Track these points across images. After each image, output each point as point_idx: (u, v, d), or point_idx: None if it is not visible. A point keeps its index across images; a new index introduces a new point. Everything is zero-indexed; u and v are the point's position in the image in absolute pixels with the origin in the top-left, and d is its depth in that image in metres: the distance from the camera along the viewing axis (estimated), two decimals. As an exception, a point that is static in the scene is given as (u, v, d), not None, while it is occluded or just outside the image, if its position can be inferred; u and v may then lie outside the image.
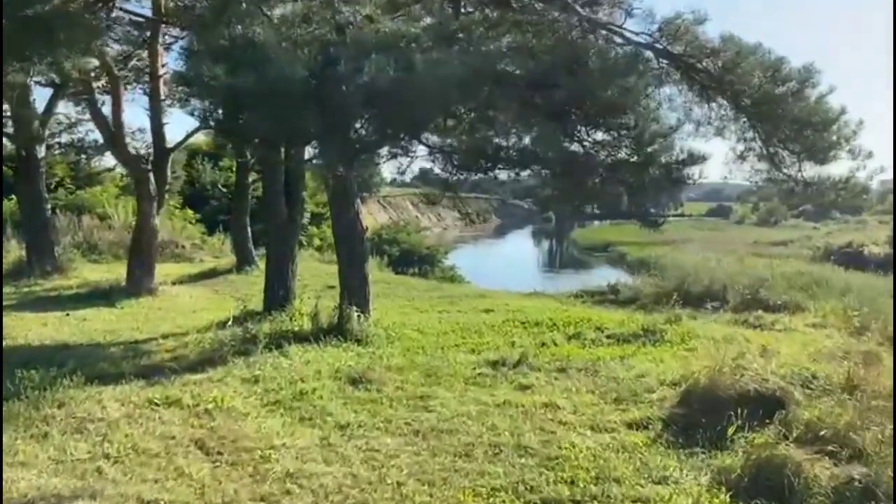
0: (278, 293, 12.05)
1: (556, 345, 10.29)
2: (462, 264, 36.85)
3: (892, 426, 5.91)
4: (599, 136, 8.27)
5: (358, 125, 7.54)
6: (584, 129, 8.14)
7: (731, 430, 6.24)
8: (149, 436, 6.41)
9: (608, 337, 10.70)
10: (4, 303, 12.54)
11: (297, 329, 10.57)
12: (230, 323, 11.03)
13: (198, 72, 6.67)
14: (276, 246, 12.27)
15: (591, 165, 8.26)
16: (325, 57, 6.92)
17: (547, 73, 7.33)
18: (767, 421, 6.53)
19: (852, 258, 46.03)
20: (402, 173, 11.98)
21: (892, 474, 5.21)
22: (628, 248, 57.76)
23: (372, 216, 64.65)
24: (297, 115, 6.70)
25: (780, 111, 8.53)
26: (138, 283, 14.70)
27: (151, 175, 15.05)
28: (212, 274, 18.59)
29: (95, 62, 11.99)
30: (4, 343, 9.68)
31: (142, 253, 15.10)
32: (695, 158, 8.27)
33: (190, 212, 28.82)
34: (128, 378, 8.10)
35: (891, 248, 50.46)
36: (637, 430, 6.78)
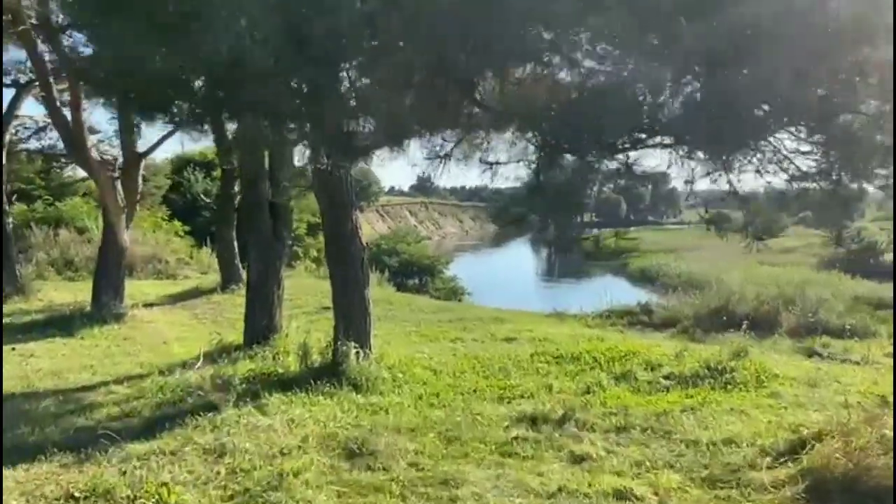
0: (260, 323, 9.89)
1: (603, 389, 8.14)
2: (462, 274, 34.80)
3: None
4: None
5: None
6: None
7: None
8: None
9: (665, 377, 8.56)
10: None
11: (281, 371, 8.43)
12: (200, 363, 8.91)
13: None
14: (259, 267, 10.10)
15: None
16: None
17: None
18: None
19: (858, 265, 44.57)
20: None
21: None
22: (630, 257, 56.01)
23: (370, 225, 62.72)
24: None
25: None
26: (104, 308, 12.52)
27: (119, 183, 12.92)
28: (194, 294, 16.39)
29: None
30: None
31: (109, 273, 12.94)
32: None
33: (178, 224, 26.69)
34: (49, 452, 5.94)
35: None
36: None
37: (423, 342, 11.15)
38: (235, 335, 10.52)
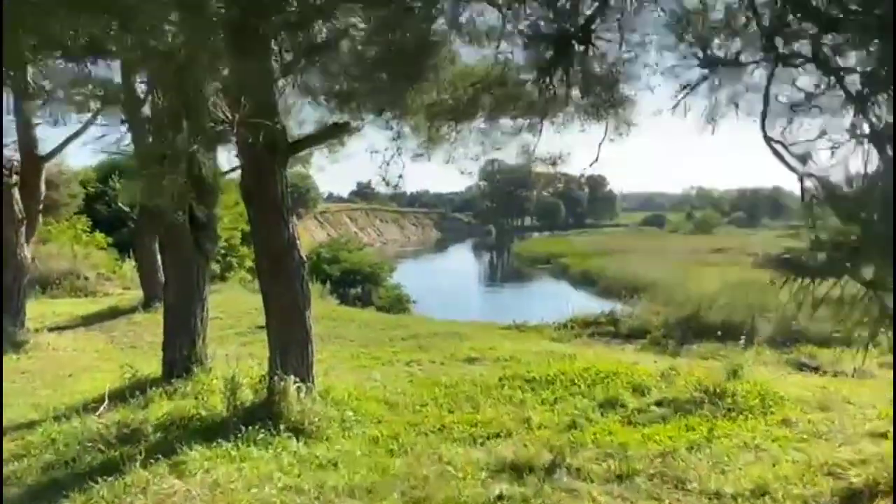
0: (181, 352, 8.28)
1: (590, 422, 6.87)
2: (406, 281, 33.46)
3: None
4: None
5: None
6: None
7: None
8: None
9: (657, 404, 7.35)
10: None
11: (204, 414, 6.88)
12: (105, 406, 7.29)
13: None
14: (177, 286, 8.47)
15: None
16: None
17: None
18: None
19: (792, 265, 45.06)
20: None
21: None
22: (570, 260, 55.67)
23: (308, 233, 60.70)
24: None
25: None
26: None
27: (16, 191, 11.09)
28: (112, 313, 14.51)
29: None
30: None
31: (6, 295, 11.06)
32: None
33: (100, 236, 24.47)
34: None
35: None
36: None
37: (374, 366, 9.69)
38: (153, 365, 8.87)
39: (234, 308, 14.57)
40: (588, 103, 6.48)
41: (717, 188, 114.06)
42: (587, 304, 30.90)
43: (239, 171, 7.44)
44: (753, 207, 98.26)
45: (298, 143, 7.35)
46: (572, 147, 7.85)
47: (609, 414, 7.16)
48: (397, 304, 29.94)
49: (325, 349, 10.46)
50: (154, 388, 7.88)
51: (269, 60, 6.58)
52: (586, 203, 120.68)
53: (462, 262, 72.30)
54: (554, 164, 7.56)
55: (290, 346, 7.10)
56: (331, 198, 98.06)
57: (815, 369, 9.40)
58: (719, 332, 11.49)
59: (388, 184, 7.71)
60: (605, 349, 11.45)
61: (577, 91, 6.36)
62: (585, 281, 45.36)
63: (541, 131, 7.05)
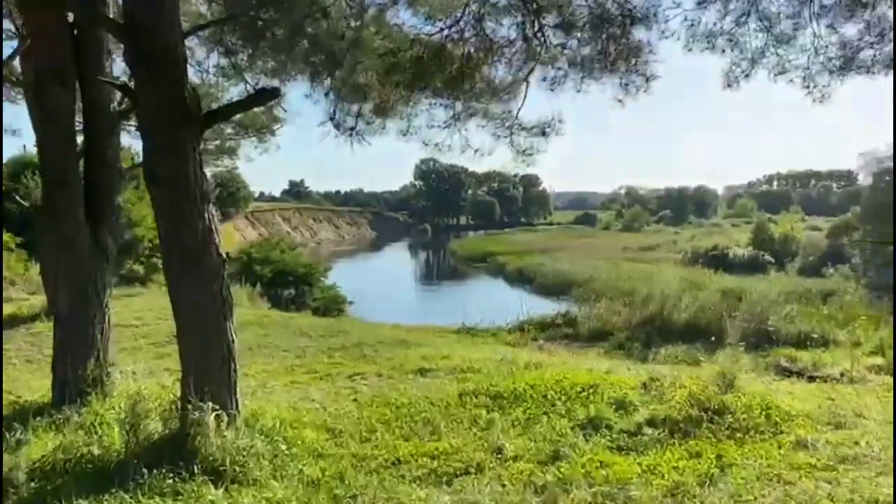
0: (74, 372, 6.68)
1: (575, 450, 5.66)
2: (341, 282, 31.96)
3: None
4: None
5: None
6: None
7: None
8: None
9: (649, 423, 6.22)
10: None
11: (98, 453, 5.39)
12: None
13: None
14: (70, 292, 6.86)
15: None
16: None
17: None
18: None
19: (720, 261, 45.66)
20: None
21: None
22: (507, 258, 55.19)
23: (239, 232, 58.26)
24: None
25: None
26: None
27: None
28: (11, 322, 12.60)
29: None
30: None
31: None
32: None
33: (8, 236, 22.11)
34: None
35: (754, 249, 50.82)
36: None
37: (311, 382, 8.28)
38: (46, 387, 7.27)
39: (153, 314, 12.90)
40: (593, 51, 5.22)
41: (645, 186, 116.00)
42: (525, 302, 30.14)
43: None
44: (680, 206, 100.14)
45: (216, 113, 5.93)
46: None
47: (594, 438, 5.99)
48: (333, 304, 28.52)
49: (253, 363, 9.03)
50: (39, 418, 6.33)
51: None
52: (521, 202, 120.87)
53: (398, 261, 71.05)
54: (544, 133, 6.32)
55: (207, 364, 5.67)
56: (262, 197, 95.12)
57: (800, 374, 8.52)
58: (687, 333, 10.53)
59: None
60: (568, 354, 10.33)
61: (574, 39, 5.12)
62: (522, 279, 44.94)
63: (525, 94, 5.79)
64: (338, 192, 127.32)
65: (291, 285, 29.26)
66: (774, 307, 11.83)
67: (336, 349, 10.23)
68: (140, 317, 12.89)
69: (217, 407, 5.49)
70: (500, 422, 6.36)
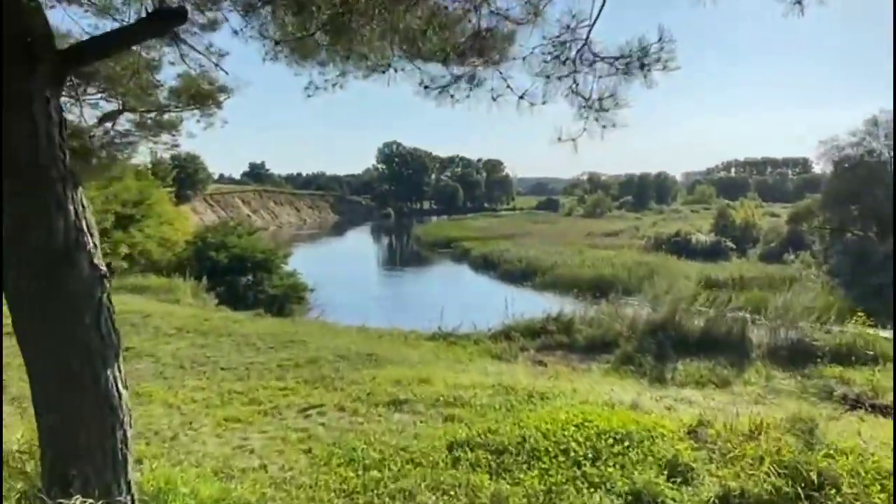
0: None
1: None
2: (302, 267, 29.82)
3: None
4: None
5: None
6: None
7: None
8: None
9: (722, 502, 4.37)
10: None
11: None
12: None
13: None
14: None
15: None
16: None
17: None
18: None
19: (682, 247, 44.69)
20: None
21: None
22: (471, 244, 53.59)
23: (198, 216, 55.34)
24: None
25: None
26: None
27: None
28: None
29: None
30: None
31: None
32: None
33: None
34: None
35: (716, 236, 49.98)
36: None
37: (251, 419, 6.26)
38: None
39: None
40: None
41: (607, 173, 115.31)
42: (494, 293, 28.47)
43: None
44: (641, 192, 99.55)
45: (82, 48, 3.86)
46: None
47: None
48: (293, 292, 26.46)
49: (182, 386, 6.98)
50: None
51: None
52: (484, 187, 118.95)
53: (361, 245, 68.90)
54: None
55: (77, 437, 3.62)
56: (222, 179, 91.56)
57: (871, 406, 6.76)
58: (701, 344, 8.75)
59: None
60: (569, 371, 8.47)
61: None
62: (486, 265, 43.44)
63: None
64: (299, 175, 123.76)
65: (249, 272, 27.07)
66: (806, 313, 10.09)
67: (288, 366, 8.20)
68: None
69: (95, 487, 3.46)
70: (511, 495, 4.44)
